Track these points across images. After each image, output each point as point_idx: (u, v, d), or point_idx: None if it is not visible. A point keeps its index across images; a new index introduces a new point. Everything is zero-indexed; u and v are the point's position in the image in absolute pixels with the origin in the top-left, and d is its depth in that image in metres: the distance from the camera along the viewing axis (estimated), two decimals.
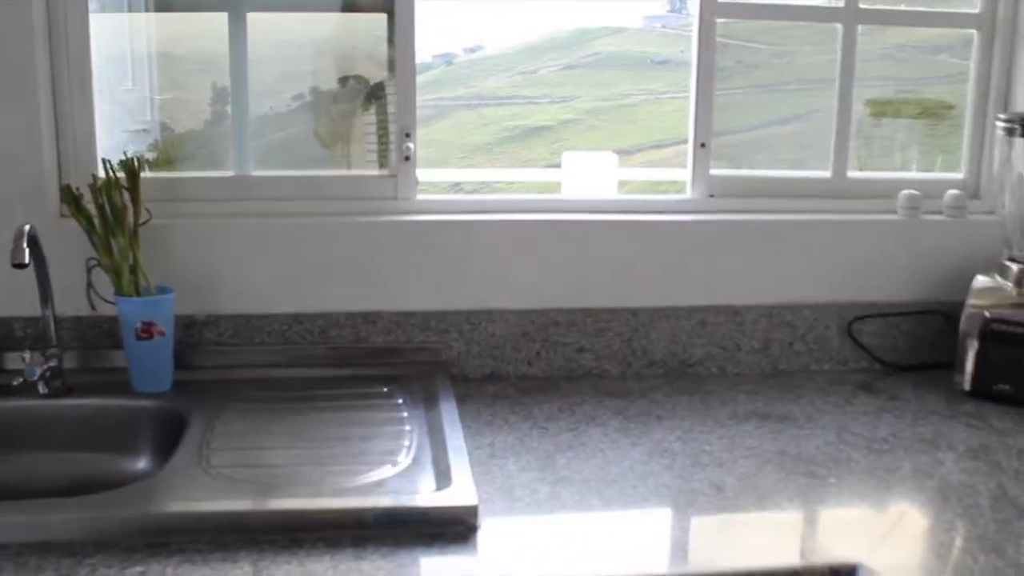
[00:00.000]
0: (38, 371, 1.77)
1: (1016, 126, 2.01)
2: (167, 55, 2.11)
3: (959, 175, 2.29)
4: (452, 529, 1.40)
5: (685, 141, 2.16)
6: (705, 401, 1.94)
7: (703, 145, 2.14)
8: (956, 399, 1.97)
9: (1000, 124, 2.06)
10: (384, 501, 1.42)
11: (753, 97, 2.29)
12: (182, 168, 2.15)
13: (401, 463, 1.55)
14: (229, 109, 2.07)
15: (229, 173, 2.08)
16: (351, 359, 1.98)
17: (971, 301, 2.00)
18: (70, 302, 1.88)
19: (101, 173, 1.82)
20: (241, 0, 2.02)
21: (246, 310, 1.96)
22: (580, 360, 2.06)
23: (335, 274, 1.98)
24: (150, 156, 2.10)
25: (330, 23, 2.13)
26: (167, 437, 1.69)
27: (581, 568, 1.35)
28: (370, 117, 2.09)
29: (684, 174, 2.18)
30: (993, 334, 1.95)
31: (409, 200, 2.06)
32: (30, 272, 1.73)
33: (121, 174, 1.81)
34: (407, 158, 2.04)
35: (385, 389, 1.87)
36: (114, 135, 2.06)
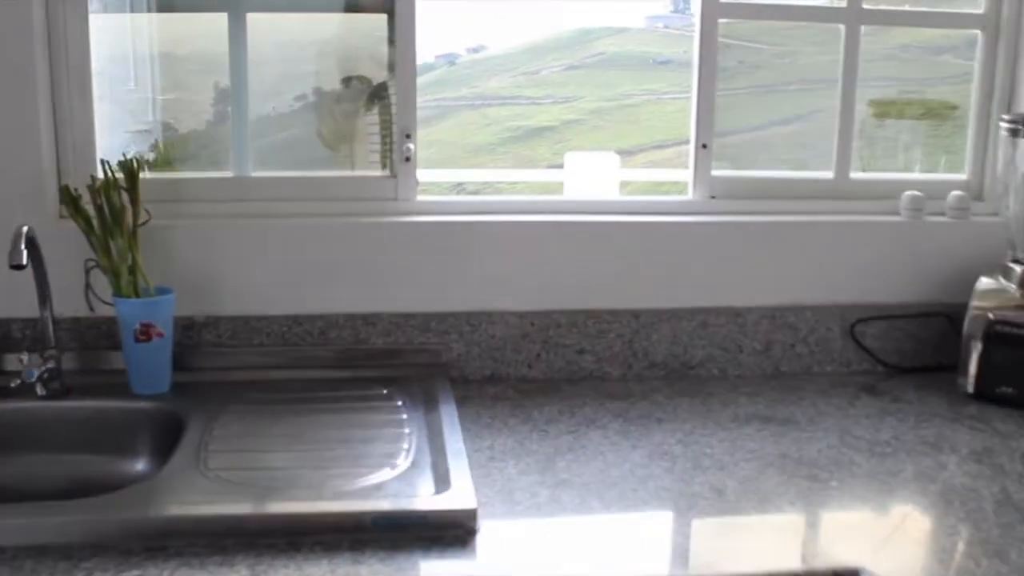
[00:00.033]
0: (36, 373, 1.77)
1: (1020, 127, 2.00)
2: (169, 55, 2.11)
3: (962, 176, 2.27)
4: (451, 533, 1.39)
5: (687, 141, 2.15)
6: (706, 403, 1.93)
7: (705, 146, 2.13)
8: (959, 401, 1.96)
9: (1004, 125, 2.05)
10: (383, 504, 1.41)
11: (755, 97, 2.28)
12: (185, 168, 2.14)
13: (400, 466, 1.55)
14: (229, 109, 2.07)
15: (229, 174, 2.07)
16: (351, 361, 1.97)
17: (974, 303, 1.99)
18: (69, 303, 1.87)
19: (100, 174, 1.81)
20: (241, 0, 2.02)
21: (245, 311, 1.96)
22: (581, 362, 2.05)
23: (335, 275, 1.97)
24: (150, 157, 2.09)
25: (333, 23, 2.12)
26: (165, 439, 1.68)
27: (581, 572, 1.34)
28: (373, 117, 2.08)
29: (686, 175, 2.17)
30: (997, 336, 1.94)
31: (409, 201, 2.05)
32: (28, 273, 1.72)
33: (120, 175, 1.81)
34: (408, 159, 2.03)
35: (385, 391, 1.86)
36: (117, 136, 2.06)
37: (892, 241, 2.13)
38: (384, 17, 2.04)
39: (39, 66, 1.87)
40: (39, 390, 1.77)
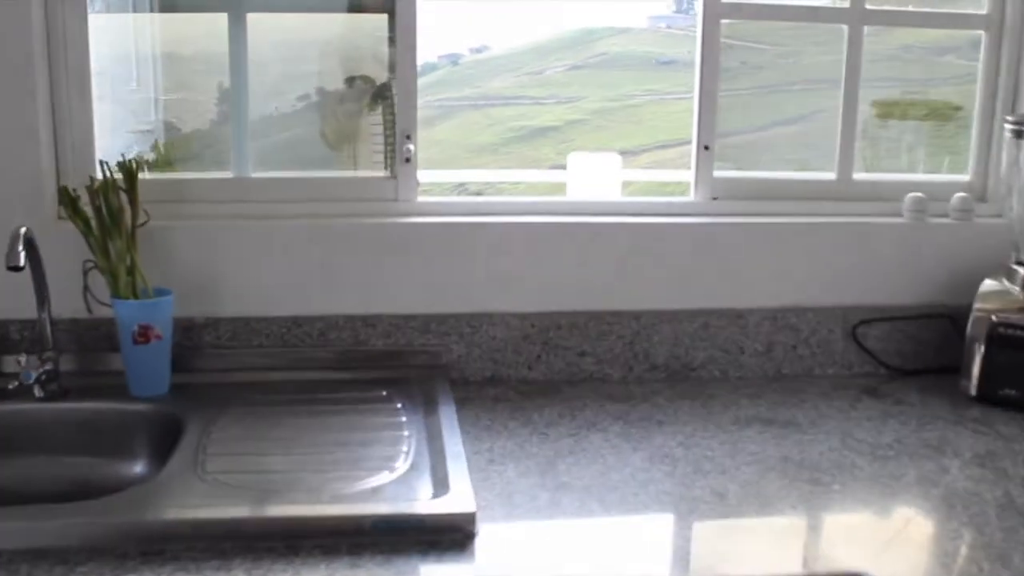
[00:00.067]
0: (34, 374, 1.76)
1: None
2: (172, 55, 2.10)
3: (966, 177, 2.26)
4: (450, 536, 1.38)
5: (690, 142, 2.14)
6: (707, 406, 1.92)
7: (707, 147, 2.12)
8: (962, 404, 1.95)
9: (1008, 126, 2.04)
10: (381, 508, 1.41)
11: (758, 98, 2.27)
12: (189, 168, 2.14)
13: (399, 469, 1.54)
14: (231, 110, 2.06)
15: (228, 175, 2.06)
16: (350, 362, 1.97)
17: (978, 305, 1.98)
18: (68, 304, 1.87)
19: (99, 175, 1.81)
20: (242, 1, 2.01)
21: (245, 313, 1.95)
22: (581, 364, 2.04)
23: (335, 277, 1.97)
24: (149, 157, 2.08)
25: (336, 23, 2.11)
26: (164, 441, 1.68)
27: None
28: (376, 117, 2.07)
29: (689, 175, 2.16)
30: (1000, 338, 1.93)
31: (410, 202, 2.04)
32: (27, 274, 1.72)
33: (119, 176, 1.80)
34: (408, 160, 2.02)
35: (384, 393, 1.85)
36: (120, 136, 2.06)
37: (895, 243, 2.12)
38: (387, 17, 2.04)
39: (38, 66, 1.86)
40: (37, 392, 1.77)
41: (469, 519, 1.39)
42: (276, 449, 1.61)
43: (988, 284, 2.00)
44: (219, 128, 2.15)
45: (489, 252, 2.00)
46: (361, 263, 1.97)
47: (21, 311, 1.84)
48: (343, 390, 1.87)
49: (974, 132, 2.25)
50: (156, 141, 2.12)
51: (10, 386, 1.76)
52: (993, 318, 1.94)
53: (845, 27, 2.15)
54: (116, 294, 1.81)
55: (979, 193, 2.25)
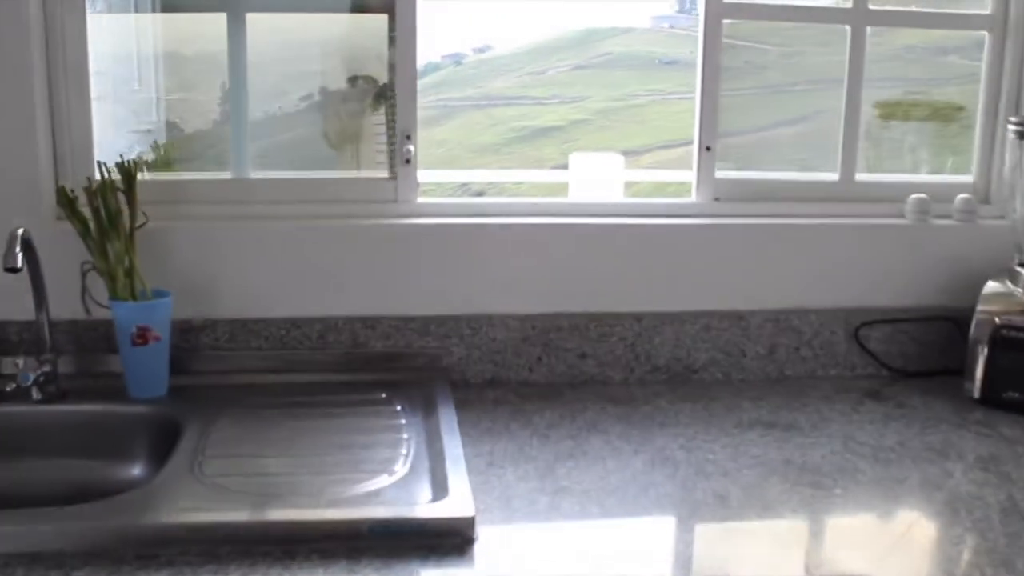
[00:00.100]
0: (32, 376, 1.76)
1: None
2: (175, 55, 2.09)
3: (969, 178, 2.25)
4: (448, 541, 1.37)
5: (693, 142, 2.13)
6: (709, 408, 1.91)
7: (708, 148, 2.11)
8: (965, 407, 1.94)
9: (1011, 127, 2.03)
10: (379, 512, 1.40)
11: (761, 98, 2.26)
12: (193, 168, 2.13)
13: (398, 472, 1.53)
14: (230, 111, 2.06)
15: (227, 176, 2.05)
16: (350, 365, 1.96)
17: (981, 307, 1.97)
18: (66, 306, 1.86)
19: (97, 176, 1.80)
20: (241, 1, 2.00)
21: (244, 314, 1.94)
22: (582, 366, 2.03)
23: (334, 278, 1.96)
24: (148, 158, 2.07)
25: (340, 23, 2.10)
26: (162, 444, 1.67)
27: None
28: (379, 117, 2.06)
29: (691, 175, 2.15)
30: (1003, 341, 1.92)
31: (409, 203, 2.03)
32: (25, 276, 1.71)
33: (117, 177, 1.79)
34: (408, 161, 2.01)
35: (384, 395, 1.84)
36: (122, 136, 2.06)
37: (897, 244, 2.11)
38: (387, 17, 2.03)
39: (36, 66, 1.86)
40: (34, 394, 1.76)
41: (468, 523, 1.38)
42: (274, 452, 1.60)
43: (991, 286, 1.99)
44: (222, 128, 2.14)
45: (490, 253, 1.99)
46: (361, 264, 1.96)
47: (19, 312, 1.83)
48: (342, 392, 1.86)
49: (977, 133, 2.24)
50: (155, 141, 2.11)
51: (8, 388, 1.75)
52: (996, 320, 1.93)
53: (848, 27, 2.13)
54: (114, 295, 1.80)
55: (982, 194, 2.24)
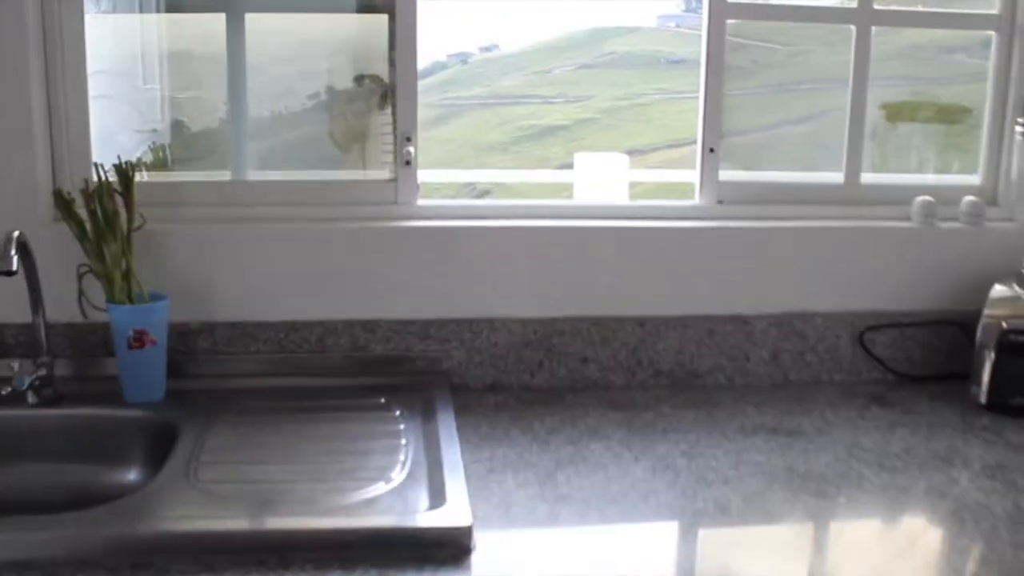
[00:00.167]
0: (27, 380, 1.74)
1: None
2: (182, 54, 2.08)
3: (976, 180, 2.22)
4: (445, 550, 1.35)
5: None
6: (712, 414, 1.88)
7: (712, 150, 2.08)
8: (971, 412, 1.91)
9: (1019, 129, 2.01)
10: (375, 521, 1.38)
11: (767, 97, 2.24)
12: (199, 167, 2.12)
13: (395, 479, 1.51)
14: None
15: (225, 178, 2.04)
16: (349, 368, 1.94)
17: (988, 311, 1.94)
18: (63, 309, 1.85)
19: (94, 178, 1.78)
20: (241, 1, 1.98)
21: (242, 317, 1.92)
22: (584, 371, 2.01)
23: (333, 281, 1.94)
24: (148, 159, 2.06)
25: (348, 23, 2.09)
26: (158, 448, 1.65)
27: None
28: (386, 117, 2.04)
29: (694, 176, 2.13)
30: (1010, 345, 1.90)
31: (410, 205, 2.01)
32: (21, 278, 1.70)
33: (114, 178, 1.78)
34: (408, 162, 1.99)
35: (383, 400, 1.82)
36: (129, 135, 2.04)
37: (903, 247, 2.09)
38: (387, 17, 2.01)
39: (33, 68, 1.84)
40: (30, 398, 1.75)
41: (465, 533, 1.36)
42: (271, 458, 1.58)
43: (998, 290, 1.97)
44: (228, 127, 2.13)
45: (490, 256, 1.97)
46: (360, 267, 1.94)
47: (15, 315, 1.82)
48: (341, 397, 1.84)
49: (984, 135, 2.21)
50: (154, 143, 2.09)
51: (4, 391, 1.73)
52: (1004, 325, 1.90)
53: (853, 27, 2.11)
54: (111, 299, 1.78)
55: (989, 197, 2.21)
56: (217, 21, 2.03)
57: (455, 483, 1.47)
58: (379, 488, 1.48)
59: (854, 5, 2.11)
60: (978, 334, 1.94)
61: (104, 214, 1.76)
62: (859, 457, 1.70)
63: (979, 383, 1.93)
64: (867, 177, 2.18)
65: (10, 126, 1.84)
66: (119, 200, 1.78)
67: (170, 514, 1.40)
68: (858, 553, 1.41)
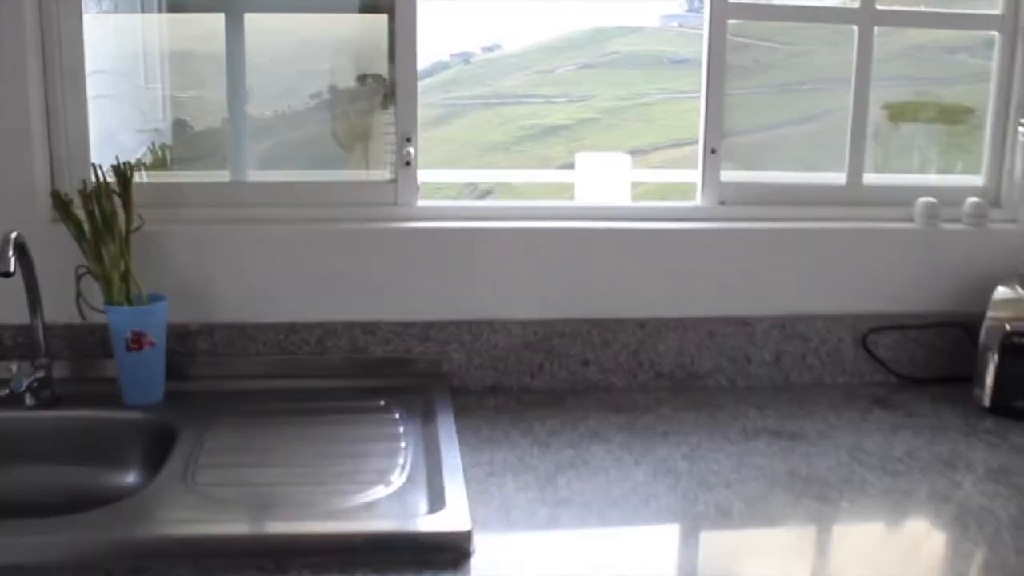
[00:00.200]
0: (25, 382, 1.73)
1: None
2: (182, 55, 2.07)
3: (979, 181, 2.21)
4: (444, 555, 1.34)
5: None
6: (713, 416, 1.87)
7: (714, 151, 2.07)
8: (975, 415, 1.90)
9: (1023, 129, 2.00)
10: (373, 525, 1.37)
11: (769, 97, 2.23)
12: (201, 167, 2.11)
13: (394, 483, 1.50)
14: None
15: (225, 178, 2.03)
16: (349, 370, 1.93)
17: (991, 313, 1.93)
18: (62, 310, 1.84)
19: (93, 178, 1.77)
20: (240, 1, 1.97)
21: (241, 319, 1.91)
22: (585, 373, 2.00)
23: (333, 282, 1.93)
24: (147, 160, 2.05)
25: (351, 22, 2.08)
26: (157, 450, 1.64)
27: None
28: (389, 117, 2.03)
29: (696, 177, 2.12)
30: (1014, 348, 1.89)
31: (409, 206, 2.01)
32: (19, 280, 1.69)
33: (112, 179, 1.77)
34: (408, 163, 1.98)
35: (382, 402, 1.81)
36: (131, 136, 2.04)
37: (906, 249, 2.08)
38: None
39: (32, 68, 1.83)
40: (28, 400, 1.74)
41: (465, 537, 1.35)
42: (269, 461, 1.57)
43: (1002, 292, 1.95)
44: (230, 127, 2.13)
45: (491, 257, 1.96)
46: (360, 268, 1.93)
47: (13, 316, 1.82)
48: (340, 399, 1.83)
49: (987, 135, 2.20)
50: (154, 143, 2.08)
51: (1, 393, 1.73)
52: (1007, 327, 1.89)
53: (855, 27, 2.10)
54: (109, 300, 1.78)
55: (993, 198, 2.20)
56: (219, 21, 2.02)
57: (454, 487, 1.46)
58: (378, 492, 1.47)
59: (856, 5, 2.10)
60: (981, 336, 1.93)
61: (102, 215, 1.75)
62: (862, 460, 1.69)
63: (982, 385, 1.92)
64: (869, 178, 2.17)
65: (8, 127, 1.83)
66: (117, 201, 1.77)
67: (168, 517, 1.39)
68: (861, 558, 1.40)
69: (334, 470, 1.54)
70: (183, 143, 2.11)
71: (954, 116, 2.30)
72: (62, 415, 1.75)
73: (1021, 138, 2.04)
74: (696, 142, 2.12)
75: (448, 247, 1.95)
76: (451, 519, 1.37)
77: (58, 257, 1.80)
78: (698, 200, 2.10)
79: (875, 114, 2.18)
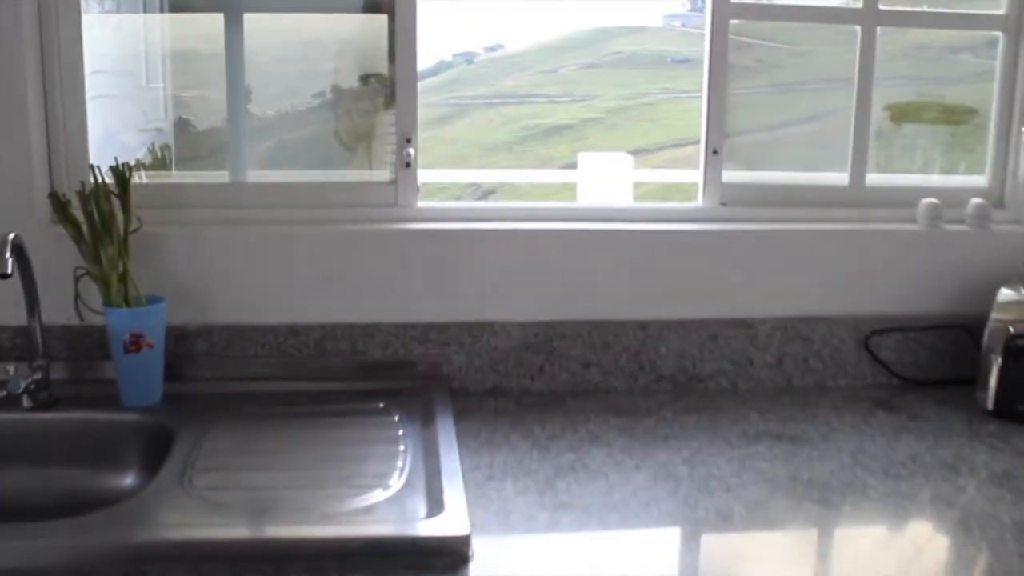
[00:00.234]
0: (22, 384, 1.73)
1: None
2: (184, 54, 2.07)
3: (982, 182, 2.20)
4: (442, 560, 1.32)
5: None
6: (714, 419, 1.86)
7: (715, 152, 2.06)
8: (978, 418, 1.89)
9: None
10: (371, 530, 1.36)
11: (771, 96, 2.22)
12: (207, 165, 2.10)
13: (393, 487, 1.49)
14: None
15: (224, 179, 2.02)
16: (347, 373, 1.92)
17: (995, 315, 1.92)
18: (59, 311, 1.83)
19: (91, 179, 1.77)
20: (240, 1, 1.97)
21: (239, 321, 1.91)
22: (586, 375, 1.99)
23: (332, 284, 1.92)
24: (147, 161, 2.04)
25: (353, 22, 2.07)
26: (155, 453, 1.64)
27: None
28: (391, 117, 2.02)
29: (698, 178, 2.11)
30: (1017, 350, 1.87)
31: (409, 207, 2.00)
32: (17, 281, 1.68)
33: (111, 180, 1.76)
34: (408, 164, 1.98)
35: (381, 405, 1.80)
36: (133, 135, 2.04)
37: (909, 250, 2.07)
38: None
39: (30, 69, 1.83)
40: (25, 401, 1.74)
41: (463, 542, 1.34)
42: (267, 464, 1.56)
43: (1005, 293, 1.94)
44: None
45: (491, 259, 1.95)
46: (359, 270, 1.92)
47: (11, 318, 1.81)
48: (340, 401, 1.82)
49: (991, 136, 2.19)
50: (154, 143, 2.08)
51: None
52: (1010, 329, 1.88)
53: (858, 28, 2.09)
54: (108, 301, 1.77)
55: (996, 199, 2.18)
56: (218, 21, 2.01)
57: (453, 491, 1.45)
58: (377, 495, 1.46)
59: (859, 5, 2.09)
60: (984, 338, 1.92)
61: (101, 216, 1.74)
62: (864, 464, 1.68)
63: (986, 388, 1.91)
64: (872, 179, 2.16)
65: (6, 127, 1.82)
66: (116, 202, 1.76)
67: (165, 521, 1.38)
68: (863, 563, 1.39)
69: (333, 473, 1.53)
70: (186, 142, 2.10)
71: (957, 116, 2.29)
72: (60, 417, 1.74)
73: None
74: (699, 142, 2.11)
75: (448, 248, 1.94)
76: (450, 523, 1.36)
77: (56, 258, 1.79)
78: (699, 201, 2.09)
79: (878, 114, 2.17)
